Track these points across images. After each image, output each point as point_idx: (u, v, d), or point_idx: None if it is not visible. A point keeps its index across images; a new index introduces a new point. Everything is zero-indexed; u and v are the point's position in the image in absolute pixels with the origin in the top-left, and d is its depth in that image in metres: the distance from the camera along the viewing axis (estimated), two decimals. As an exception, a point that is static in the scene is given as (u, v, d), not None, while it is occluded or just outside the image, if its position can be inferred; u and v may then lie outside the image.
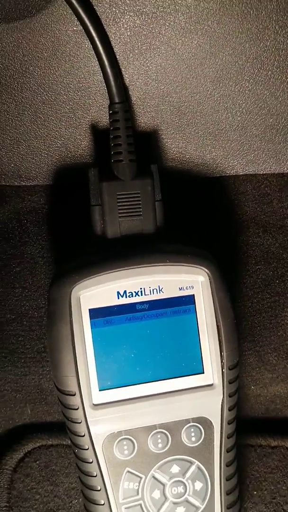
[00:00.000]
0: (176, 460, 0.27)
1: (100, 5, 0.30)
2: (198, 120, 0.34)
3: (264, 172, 0.37)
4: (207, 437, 0.27)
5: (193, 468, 0.27)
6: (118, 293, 0.27)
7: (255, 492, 0.31)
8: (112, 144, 0.30)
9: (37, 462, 0.31)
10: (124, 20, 0.30)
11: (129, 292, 0.27)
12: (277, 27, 0.31)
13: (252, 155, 0.36)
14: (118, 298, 0.27)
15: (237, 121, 0.34)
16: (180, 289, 0.28)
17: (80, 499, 0.30)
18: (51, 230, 0.35)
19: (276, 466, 0.32)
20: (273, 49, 0.32)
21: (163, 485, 0.27)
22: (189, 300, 0.28)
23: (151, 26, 0.31)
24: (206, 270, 0.28)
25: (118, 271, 0.27)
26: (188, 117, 0.34)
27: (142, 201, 0.29)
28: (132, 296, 0.27)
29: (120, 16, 0.30)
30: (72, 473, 0.31)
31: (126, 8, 0.30)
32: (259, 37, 0.31)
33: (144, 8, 0.30)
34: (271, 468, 0.32)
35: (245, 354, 0.34)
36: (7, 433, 0.32)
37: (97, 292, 0.27)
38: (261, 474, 0.32)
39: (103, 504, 0.27)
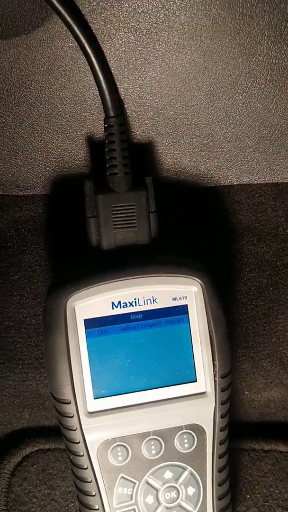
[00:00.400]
0: (169, 466, 0.27)
1: (95, 22, 0.30)
2: (193, 132, 0.34)
3: (258, 182, 0.37)
4: (199, 443, 0.28)
5: (185, 473, 0.27)
6: (113, 303, 0.27)
7: (248, 496, 0.32)
8: (107, 157, 0.30)
9: (35, 466, 0.31)
10: (118, 36, 0.30)
11: (123, 303, 0.27)
12: (269, 43, 0.31)
13: (246, 166, 0.36)
14: (113, 308, 0.27)
15: (231, 133, 0.34)
16: (174, 299, 0.28)
17: (77, 503, 0.30)
18: (48, 238, 0.35)
19: (269, 470, 0.32)
20: (265, 64, 0.32)
21: (157, 490, 0.27)
22: (182, 310, 0.28)
23: (146, 42, 0.31)
24: (199, 280, 0.28)
25: (112, 282, 0.27)
26: (183, 129, 0.34)
27: (137, 212, 0.30)
28: (127, 306, 0.27)
29: (114, 33, 0.30)
30: (69, 477, 0.31)
31: (121, 25, 0.30)
32: (252, 52, 0.31)
33: (138, 24, 0.30)
34: (264, 472, 0.32)
35: (239, 360, 0.34)
36: (5, 437, 0.32)
37: (92, 302, 0.27)
38: (254, 478, 0.32)
39: (98, 509, 0.27)
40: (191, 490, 0.28)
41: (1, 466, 0.31)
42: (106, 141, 0.30)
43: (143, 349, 0.28)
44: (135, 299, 0.27)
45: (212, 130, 0.34)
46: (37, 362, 0.33)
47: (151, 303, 0.28)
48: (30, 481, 0.31)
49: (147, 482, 0.27)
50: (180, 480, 0.28)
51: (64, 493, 0.31)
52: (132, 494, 0.27)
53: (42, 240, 0.35)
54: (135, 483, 0.27)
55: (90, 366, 0.27)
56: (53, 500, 0.31)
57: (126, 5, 0.30)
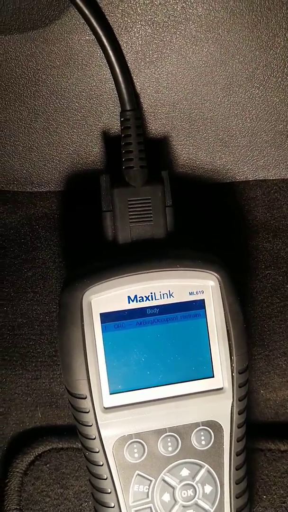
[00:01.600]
0: (186, 464, 0.27)
1: (112, 15, 0.30)
2: (209, 127, 0.34)
3: (274, 178, 0.37)
4: (216, 440, 0.27)
5: (202, 471, 0.27)
6: (129, 297, 0.27)
7: (264, 496, 0.31)
8: (123, 151, 0.30)
9: (48, 465, 0.31)
10: (135, 29, 0.31)
11: (139, 297, 0.27)
12: (287, 35, 0.31)
13: (262, 161, 0.36)
14: (129, 302, 0.27)
15: (247, 127, 0.34)
16: (190, 293, 0.28)
17: (90, 502, 0.30)
18: (62, 235, 0.35)
19: (286, 470, 0.32)
20: (283, 56, 0.32)
21: (173, 488, 0.27)
22: (199, 305, 0.28)
23: (162, 35, 0.31)
24: (216, 275, 0.28)
25: (128, 276, 0.27)
26: (199, 124, 0.34)
27: (153, 207, 0.30)
28: (143, 300, 0.27)
29: (132, 26, 0.31)
30: (82, 476, 0.31)
31: (138, 18, 0.30)
32: (269, 45, 0.32)
33: (155, 17, 0.30)
34: (280, 472, 0.32)
35: (255, 359, 0.34)
36: (17, 436, 0.32)
37: (108, 296, 0.27)
38: (270, 478, 0.32)
39: (113, 507, 0.27)
40: (208, 488, 0.27)
41: (13, 465, 0.31)
42: (122, 135, 0.31)
43: (160, 344, 0.27)
44: (151, 293, 0.27)
45: (228, 125, 0.34)
46: (50, 359, 0.33)
47: (167, 298, 0.28)
48: (43, 480, 0.31)
49: (164, 480, 0.27)
50: (197, 478, 0.27)
51: (78, 493, 0.31)
52: (148, 492, 0.27)
53: (56, 237, 0.35)
54: (151, 481, 0.27)
55: (106, 360, 0.27)
56: (66, 499, 0.31)
57: None
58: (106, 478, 0.27)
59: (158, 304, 0.27)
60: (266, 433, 0.33)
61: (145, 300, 0.27)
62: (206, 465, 0.27)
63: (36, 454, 0.31)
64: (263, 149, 0.35)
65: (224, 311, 0.28)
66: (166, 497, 0.27)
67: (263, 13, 0.31)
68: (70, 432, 0.31)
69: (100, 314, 0.27)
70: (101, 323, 0.27)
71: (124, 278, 0.27)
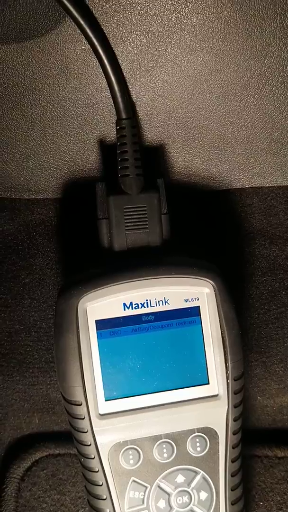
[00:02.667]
0: (181, 470, 0.27)
1: (107, 25, 0.30)
2: (204, 135, 0.35)
3: (270, 185, 0.37)
4: (212, 447, 0.27)
5: (198, 478, 0.27)
6: (125, 304, 0.27)
7: (261, 503, 0.31)
8: (119, 159, 0.31)
9: (44, 471, 0.31)
10: (131, 39, 0.31)
11: (135, 304, 0.27)
12: (280, 44, 0.32)
13: (258, 168, 0.36)
14: (124, 309, 0.27)
15: (242, 135, 0.35)
16: (186, 300, 0.28)
17: (87, 508, 0.30)
18: (59, 242, 0.35)
19: (283, 476, 0.32)
20: (277, 66, 0.32)
21: (168, 494, 0.27)
22: (195, 312, 0.28)
23: (158, 45, 0.31)
24: (211, 282, 0.28)
25: (124, 283, 0.27)
26: (194, 132, 0.34)
27: (149, 214, 0.30)
28: (138, 307, 0.27)
29: (127, 35, 0.31)
30: (79, 482, 0.31)
31: (133, 28, 0.31)
32: (263, 54, 0.32)
33: (150, 27, 0.31)
34: (277, 479, 0.32)
35: (252, 365, 0.34)
36: (15, 442, 0.32)
37: (103, 303, 0.27)
38: (267, 485, 0.32)
39: (109, 513, 0.27)
40: (203, 495, 0.27)
41: (10, 471, 0.31)
42: (118, 143, 0.31)
43: (155, 350, 0.28)
44: (147, 300, 0.28)
45: (224, 133, 0.35)
46: (47, 366, 0.33)
47: (163, 305, 0.28)
48: (39, 486, 0.31)
49: (159, 486, 0.27)
50: (193, 485, 0.27)
51: (74, 499, 0.31)
52: (143, 498, 0.27)
53: (53, 243, 0.35)
54: (146, 487, 0.27)
55: (101, 367, 0.27)
56: (63, 505, 0.31)
57: (138, 8, 0.30)
58: (102, 484, 0.27)
59: (154, 311, 0.28)
60: (263, 440, 0.33)
61: (141, 307, 0.27)
62: (202, 472, 0.27)
63: (33, 460, 0.31)
64: (259, 157, 0.36)
65: (219, 318, 0.28)
66: (162, 503, 0.27)
67: (257, 22, 0.31)
68: (67, 438, 0.31)
69: (96, 321, 0.27)
70: (97, 330, 0.27)
71: (120, 285, 0.27)
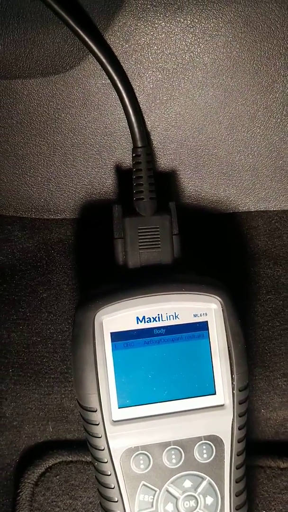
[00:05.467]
0: (188, 476, 0.28)
1: (126, 62, 0.32)
2: (213, 162, 0.35)
3: (274, 209, 0.37)
4: (218, 454, 0.28)
5: (204, 483, 0.28)
6: (138, 318, 0.28)
7: (264, 511, 0.32)
8: (135, 184, 0.31)
9: (58, 476, 0.32)
10: (147, 75, 0.32)
11: (147, 318, 0.28)
12: (284, 81, 0.32)
13: (263, 193, 0.37)
14: (138, 323, 0.28)
15: (249, 163, 0.35)
16: (195, 315, 0.29)
17: (99, 510, 0.30)
18: (76, 259, 0.36)
19: (285, 486, 0.32)
20: (281, 100, 0.33)
21: (176, 498, 0.27)
22: (203, 326, 0.29)
23: (172, 80, 0.32)
24: (219, 298, 0.29)
25: (137, 298, 0.28)
26: (204, 159, 0.35)
27: (161, 235, 0.31)
28: (150, 321, 0.28)
29: (144, 72, 0.32)
30: (90, 488, 0.31)
31: (150, 65, 0.32)
32: (269, 90, 0.33)
33: (165, 65, 0.32)
34: (280, 489, 0.32)
35: (256, 379, 0.34)
36: (29, 449, 0.33)
37: (118, 317, 0.28)
38: (270, 494, 0.32)
39: (120, 515, 0.27)
40: (209, 500, 0.28)
41: (25, 476, 0.32)
42: (134, 169, 0.32)
43: (166, 362, 0.28)
44: (158, 314, 0.28)
45: (232, 160, 0.35)
46: (62, 376, 0.33)
47: (173, 319, 0.28)
48: (53, 491, 0.31)
49: (167, 490, 0.27)
50: (199, 490, 0.28)
51: (86, 504, 0.31)
52: (152, 502, 0.27)
53: (70, 261, 0.36)
54: (155, 491, 0.27)
55: (115, 376, 0.28)
56: (74, 510, 0.31)
57: (155, 47, 0.31)
58: (114, 487, 0.27)
59: (165, 325, 0.28)
60: (266, 451, 0.33)
61: (153, 321, 0.28)
62: (208, 478, 0.28)
63: (47, 466, 0.32)
64: (264, 183, 0.36)
65: (226, 332, 0.28)
66: (170, 507, 0.27)
67: (263, 61, 0.32)
68: (79, 446, 0.32)
69: (111, 333, 0.28)
70: (112, 341, 0.28)
71: (134, 300, 0.28)
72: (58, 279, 0.36)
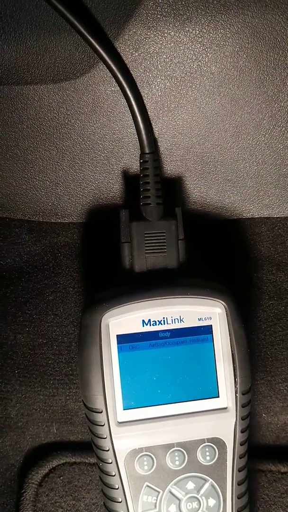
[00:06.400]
0: (191, 477, 0.28)
1: (136, 70, 0.32)
2: (219, 169, 0.36)
3: (278, 216, 0.38)
4: (220, 456, 0.28)
5: (207, 485, 0.28)
6: (143, 321, 0.28)
7: None
8: (142, 189, 0.32)
9: (61, 478, 0.32)
10: (156, 83, 0.32)
11: (153, 321, 0.28)
12: None
13: (267, 200, 0.37)
14: (143, 326, 0.28)
15: (253, 170, 0.36)
16: (199, 319, 0.29)
17: (103, 511, 0.31)
18: (82, 263, 0.36)
19: (286, 490, 0.32)
20: (286, 109, 0.33)
21: (179, 500, 0.28)
22: (207, 330, 0.29)
23: (179, 88, 0.33)
24: (223, 303, 0.29)
25: (143, 301, 0.28)
26: (210, 166, 0.35)
27: (167, 239, 0.31)
28: (156, 324, 0.28)
29: (153, 80, 0.32)
30: (93, 489, 0.32)
31: (158, 73, 0.32)
32: (274, 99, 0.33)
33: (174, 73, 0.32)
34: (280, 493, 0.32)
35: (257, 384, 0.34)
36: (33, 450, 0.33)
37: (124, 320, 0.28)
38: (271, 498, 0.32)
39: (124, 515, 0.27)
40: (211, 502, 0.28)
41: (29, 477, 0.32)
42: (141, 175, 0.32)
43: (170, 365, 0.28)
44: (163, 318, 0.29)
45: (237, 168, 0.35)
46: (67, 378, 0.34)
47: (178, 322, 0.29)
48: (56, 492, 0.32)
49: (170, 492, 0.28)
50: (202, 491, 0.28)
51: (89, 505, 0.32)
52: (156, 503, 0.28)
53: (76, 264, 0.36)
54: (159, 492, 0.28)
55: (121, 378, 0.28)
56: (77, 511, 0.31)
57: (164, 56, 0.32)
58: (118, 488, 0.27)
59: (170, 328, 0.28)
60: (267, 455, 0.33)
61: (158, 324, 0.28)
62: (210, 480, 0.28)
63: (51, 467, 0.32)
64: (268, 190, 0.37)
65: (229, 336, 0.29)
66: (173, 508, 0.28)
67: (269, 71, 0.32)
68: (83, 447, 0.32)
69: (117, 335, 0.28)
70: (117, 343, 0.28)
71: (139, 303, 0.28)
72: (64, 282, 0.36)
